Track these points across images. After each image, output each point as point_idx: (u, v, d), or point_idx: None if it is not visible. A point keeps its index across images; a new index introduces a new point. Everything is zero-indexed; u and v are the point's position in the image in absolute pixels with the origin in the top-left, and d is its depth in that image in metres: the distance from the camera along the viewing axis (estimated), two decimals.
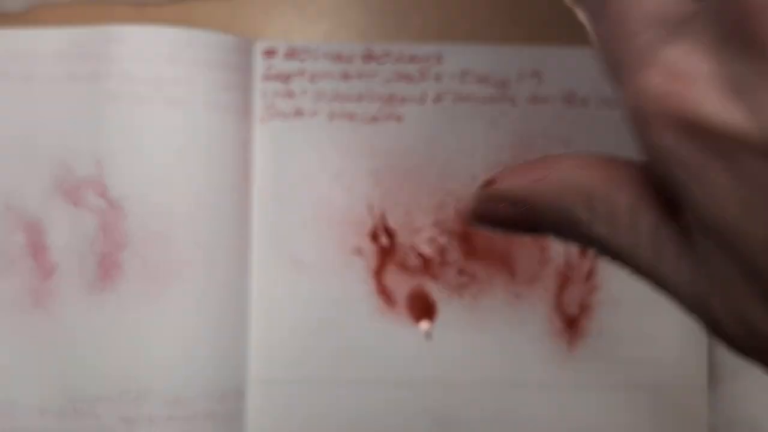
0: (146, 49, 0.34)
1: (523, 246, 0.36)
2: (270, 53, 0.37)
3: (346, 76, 0.37)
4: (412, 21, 0.35)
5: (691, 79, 0.15)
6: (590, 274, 0.36)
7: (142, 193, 0.34)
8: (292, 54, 0.37)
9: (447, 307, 0.36)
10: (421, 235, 0.36)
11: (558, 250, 0.36)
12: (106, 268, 0.34)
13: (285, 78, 0.37)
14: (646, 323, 0.36)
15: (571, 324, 0.36)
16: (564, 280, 0.36)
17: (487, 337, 0.36)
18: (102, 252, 0.34)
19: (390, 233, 0.36)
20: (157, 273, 0.34)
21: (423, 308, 0.36)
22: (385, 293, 0.36)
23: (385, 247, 0.36)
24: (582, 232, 0.18)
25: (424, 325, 0.36)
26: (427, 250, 0.36)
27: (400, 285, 0.36)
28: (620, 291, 0.36)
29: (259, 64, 0.37)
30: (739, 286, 0.16)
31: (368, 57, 0.37)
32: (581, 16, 0.20)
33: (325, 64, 0.37)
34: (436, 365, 0.36)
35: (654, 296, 0.18)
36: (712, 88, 0.15)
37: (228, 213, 0.35)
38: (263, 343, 0.36)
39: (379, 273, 0.36)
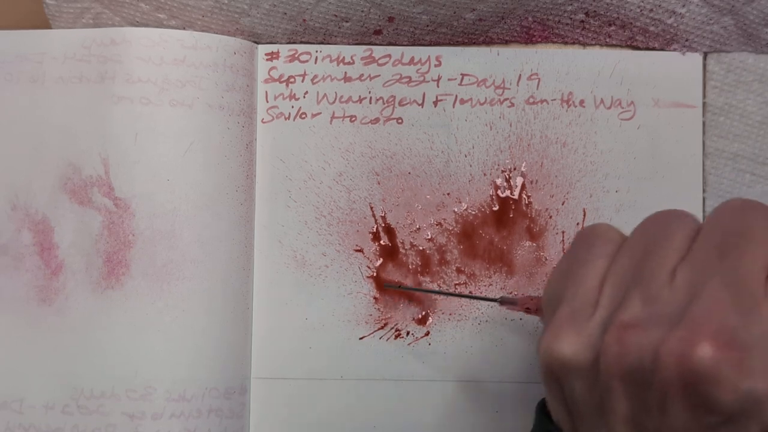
0: (152, 51, 0.35)
1: (521, 246, 0.36)
2: (272, 56, 0.37)
3: (347, 79, 0.37)
4: None
5: None
6: None
7: (147, 192, 0.35)
8: (293, 56, 0.37)
9: (446, 305, 0.36)
10: (420, 235, 0.37)
11: (555, 249, 0.36)
12: (112, 266, 0.35)
13: (287, 80, 0.37)
14: None
15: None
16: None
17: (485, 335, 0.36)
18: (108, 251, 0.35)
19: (390, 233, 0.37)
20: (162, 271, 0.34)
21: (422, 306, 0.36)
22: (385, 291, 0.36)
23: (386, 246, 0.37)
24: None
25: (423, 322, 0.36)
26: (426, 249, 0.37)
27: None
28: None
29: (262, 67, 0.37)
30: None
31: (369, 59, 0.37)
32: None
33: (327, 66, 0.37)
34: (435, 362, 0.36)
35: None
36: None
37: (231, 212, 0.35)
38: (266, 340, 0.36)
39: (379, 272, 0.36)
